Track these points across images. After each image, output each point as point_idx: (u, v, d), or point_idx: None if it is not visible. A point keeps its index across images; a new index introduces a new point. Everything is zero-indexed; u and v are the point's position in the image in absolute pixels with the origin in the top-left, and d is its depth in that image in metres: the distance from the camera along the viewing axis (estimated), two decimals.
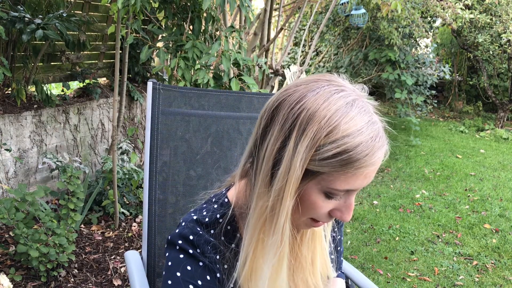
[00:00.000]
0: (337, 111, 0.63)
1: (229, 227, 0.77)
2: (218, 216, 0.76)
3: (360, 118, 0.63)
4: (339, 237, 0.96)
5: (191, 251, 0.72)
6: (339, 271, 0.99)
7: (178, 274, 0.71)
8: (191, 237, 0.73)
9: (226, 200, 0.79)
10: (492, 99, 6.59)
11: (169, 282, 0.72)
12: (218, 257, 0.74)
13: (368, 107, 0.66)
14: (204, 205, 0.80)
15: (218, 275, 0.74)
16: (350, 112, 0.63)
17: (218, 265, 0.74)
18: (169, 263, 0.73)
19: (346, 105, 0.64)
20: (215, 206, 0.78)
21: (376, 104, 0.69)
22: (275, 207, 0.66)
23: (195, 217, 0.76)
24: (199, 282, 0.71)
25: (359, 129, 0.63)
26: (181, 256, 0.73)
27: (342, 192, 0.66)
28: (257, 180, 0.68)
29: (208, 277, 0.72)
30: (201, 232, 0.74)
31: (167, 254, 0.75)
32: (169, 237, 0.75)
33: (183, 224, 0.76)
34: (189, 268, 0.72)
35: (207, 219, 0.75)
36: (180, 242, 0.73)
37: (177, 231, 0.75)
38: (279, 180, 0.64)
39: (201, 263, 0.72)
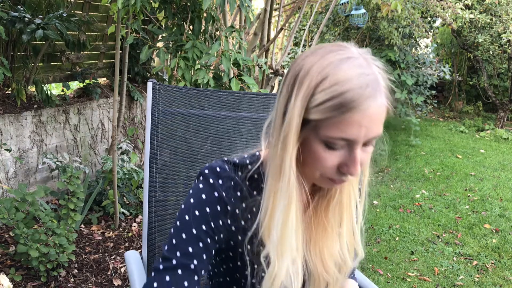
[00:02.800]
0: (329, 65, 0.69)
1: (255, 176, 0.83)
2: (247, 162, 0.83)
3: (352, 70, 0.69)
4: None
5: (211, 180, 0.79)
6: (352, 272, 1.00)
7: (192, 201, 0.79)
8: (217, 169, 0.80)
9: (257, 153, 0.85)
10: (492, 99, 6.59)
11: (182, 206, 0.80)
12: (239, 194, 0.80)
13: (367, 64, 0.70)
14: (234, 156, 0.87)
15: (238, 211, 0.80)
16: (343, 66, 0.69)
17: (237, 204, 0.80)
18: (190, 191, 0.81)
19: (340, 60, 0.70)
20: (245, 155, 0.85)
21: (381, 65, 0.73)
22: (282, 154, 0.73)
23: (225, 158, 0.83)
24: (207, 210, 0.78)
25: (349, 79, 0.68)
26: (201, 185, 0.80)
27: (338, 140, 0.70)
28: (272, 134, 0.77)
29: (218, 208, 0.79)
30: (228, 169, 0.81)
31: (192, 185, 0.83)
32: (200, 170, 0.83)
33: (214, 161, 0.83)
34: (203, 196, 0.79)
35: (237, 161, 0.83)
36: (206, 171, 0.81)
37: (207, 165, 0.82)
38: (284, 129, 0.72)
39: (216, 194, 0.79)
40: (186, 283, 0.76)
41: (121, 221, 2.96)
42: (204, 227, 0.78)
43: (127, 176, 3.00)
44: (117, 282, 2.34)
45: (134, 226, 2.92)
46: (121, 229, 2.88)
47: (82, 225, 2.87)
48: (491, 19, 5.69)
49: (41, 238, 2.14)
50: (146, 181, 1.27)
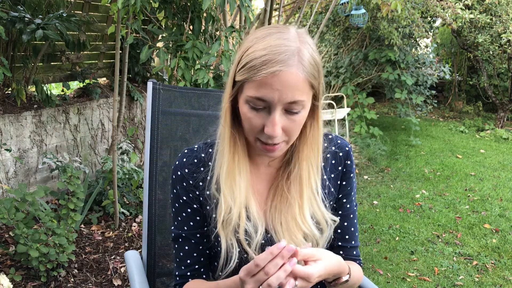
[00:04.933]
0: (255, 38, 0.81)
1: None
2: (218, 141, 0.95)
3: (275, 41, 0.78)
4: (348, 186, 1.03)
5: (177, 162, 0.97)
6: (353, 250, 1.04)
7: (171, 182, 0.99)
8: (185, 151, 0.98)
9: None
10: (492, 99, 6.59)
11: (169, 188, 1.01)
12: (202, 168, 0.95)
13: (297, 39, 0.79)
14: None
15: (201, 183, 0.95)
16: (266, 38, 0.79)
17: (200, 176, 0.95)
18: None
19: (270, 34, 0.80)
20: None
21: (313, 45, 0.82)
22: (223, 109, 0.89)
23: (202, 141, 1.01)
24: (178, 187, 0.96)
25: (268, 46, 0.77)
26: (172, 167, 0.98)
27: (256, 100, 0.79)
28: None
29: (184, 184, 0.96)
30: (195, 149, 0.97)
31: None
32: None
33: None
34: (174, 177, 0.97)
35: (209, 141, 1.00)
36: (178, 157, 0.99)
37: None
38: (225, 89, 0.88)
39: (179, 173, 0.96)
40: (186, 247, 0.97)
41: (121, 221, 2.96)
42: (181, 201, 0.96)
43: (127, 176, 3.00)
44: (117, 282, 2.34)
45: (134, 226, 2.92)
46: (121, 229, 2.88)
47: (82, 225, 2.87)
48: (491, 19, 5.69)
49: (41, 238, 2.14)
50: (146, 181, 1.27)
